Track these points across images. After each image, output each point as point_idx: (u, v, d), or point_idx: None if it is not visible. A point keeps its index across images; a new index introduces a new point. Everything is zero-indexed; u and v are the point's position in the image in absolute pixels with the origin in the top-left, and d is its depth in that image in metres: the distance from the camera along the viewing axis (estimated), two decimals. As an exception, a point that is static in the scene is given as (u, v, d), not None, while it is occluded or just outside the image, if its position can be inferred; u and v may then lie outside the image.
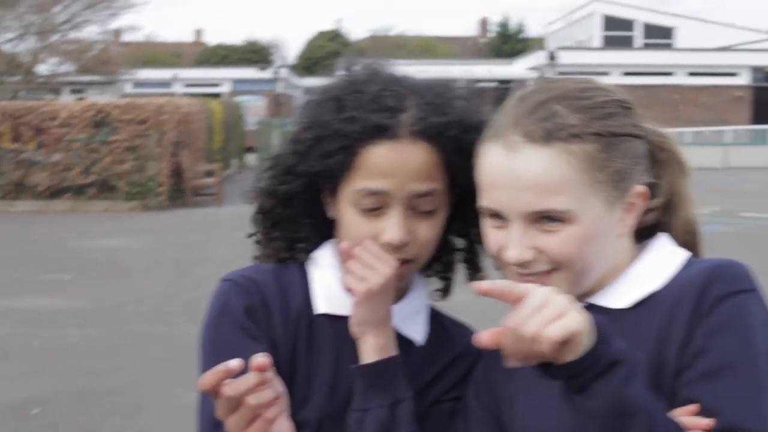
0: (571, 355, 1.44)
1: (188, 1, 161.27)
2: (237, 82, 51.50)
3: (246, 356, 1.51)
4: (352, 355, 1.86)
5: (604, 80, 1.79)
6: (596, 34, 50.23)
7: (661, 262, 1.72)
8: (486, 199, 1.70)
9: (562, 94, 1.67)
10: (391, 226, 1.80)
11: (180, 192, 23.95)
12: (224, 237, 16.14)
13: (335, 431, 1.84)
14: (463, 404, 1.90)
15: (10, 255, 15.73)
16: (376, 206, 1.81)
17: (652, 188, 1.76)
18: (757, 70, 40.26)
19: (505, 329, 1.45)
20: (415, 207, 1.82)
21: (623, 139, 1.66)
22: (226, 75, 52.66)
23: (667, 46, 46.02)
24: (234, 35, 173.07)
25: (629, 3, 50.51)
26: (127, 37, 57.85)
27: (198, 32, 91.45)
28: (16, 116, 22.68)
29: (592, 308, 1.66)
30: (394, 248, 1.81)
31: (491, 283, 1.47)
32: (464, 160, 1.79)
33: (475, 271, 2.04)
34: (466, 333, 1.97)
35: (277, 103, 51.15)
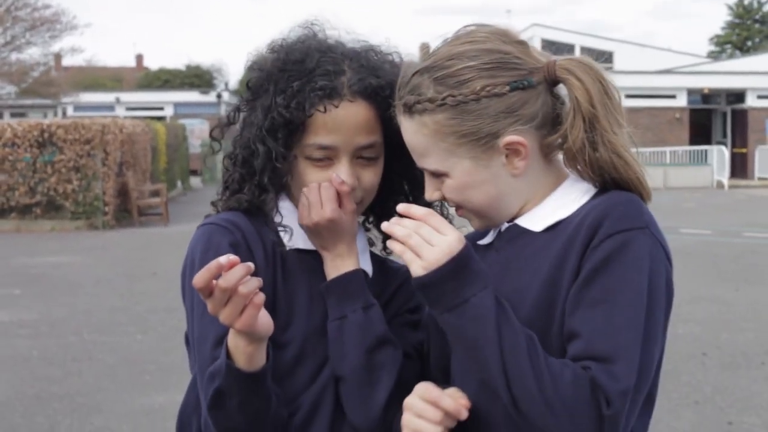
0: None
1: (129, 26, 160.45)
2: (179, 105, 51.35)
3: None
4: (323, 282, 2.13)
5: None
6: (537, 57, 50.40)
7: (571, 195, 1.94)
8: None
9: (431, 63, 1.91)
10: (341, 174, 2.09)
11: (126, 212, 23.96)
12: (171, 255, 15.89)
13: (317, 345, 2.11)
14: (424, 317, 2.18)
15: (-44, 272, 15.67)
16: (326, 158, 2.10)
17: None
18: (692, 92, 41.03)
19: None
20: (359, 157, 2.12)
21: (475, 103, 1.85)
22: (168, 98, 52.48)
23: (607, 70, 46.60)
24: (175, 60, 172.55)
25: (568, 28, 51.10)
26: (68, 61, 57.61)
27: (139, 57, 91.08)
28: (-41, 137, 22.47)
29: (515, 228, 1.97)
30: (345, 193, 2.09)
31: (397, 219, 1.84)
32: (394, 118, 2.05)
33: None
34: (403, 266, 2.15)
35: (221, 127, 50.95)
